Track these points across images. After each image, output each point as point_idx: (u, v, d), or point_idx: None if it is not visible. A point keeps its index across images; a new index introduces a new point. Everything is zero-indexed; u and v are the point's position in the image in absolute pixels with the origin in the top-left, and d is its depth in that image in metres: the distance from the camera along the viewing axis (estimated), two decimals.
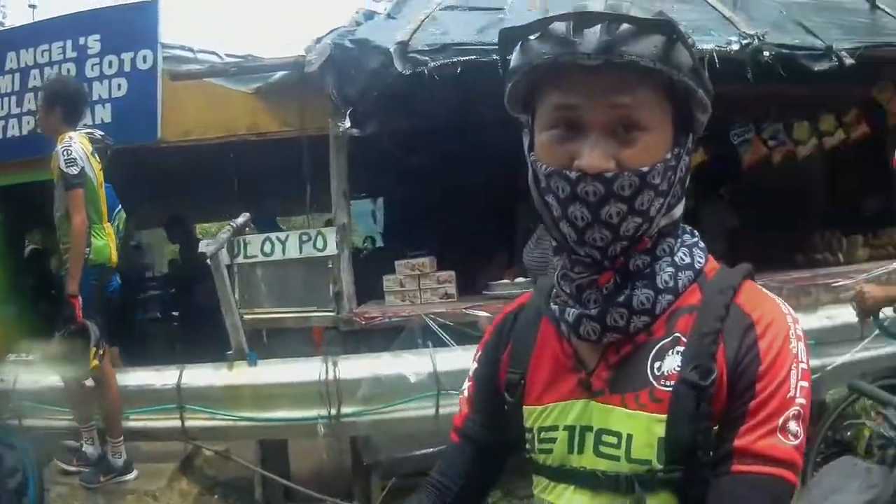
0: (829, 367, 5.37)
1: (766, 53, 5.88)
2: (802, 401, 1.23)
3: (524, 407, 1.41)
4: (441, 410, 5.35)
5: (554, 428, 1.37)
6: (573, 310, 1.32)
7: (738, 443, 1.22)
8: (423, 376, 5.33)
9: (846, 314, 5.47)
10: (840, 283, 6.10)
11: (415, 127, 6.48)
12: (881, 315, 4.32)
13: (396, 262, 6.10)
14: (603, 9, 1.21)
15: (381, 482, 5.64)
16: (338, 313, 5.70)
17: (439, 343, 5.53)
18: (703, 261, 1.37)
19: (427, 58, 5.47)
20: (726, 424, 1.24)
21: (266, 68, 6.14)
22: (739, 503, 1.22)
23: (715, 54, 5.75)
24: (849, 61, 6.08)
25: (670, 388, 1.26)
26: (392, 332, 5.67)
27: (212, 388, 5.38)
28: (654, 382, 1.28)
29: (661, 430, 1.25)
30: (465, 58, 5.44)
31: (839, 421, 4.96)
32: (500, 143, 7.27)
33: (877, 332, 4.70)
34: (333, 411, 5.27)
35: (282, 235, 5.72)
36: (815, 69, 6.01)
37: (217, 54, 7.00)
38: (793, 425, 1.21)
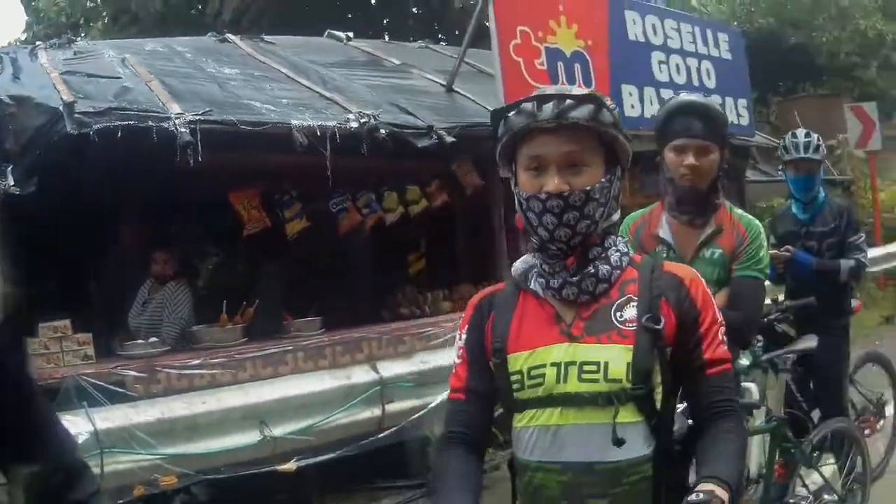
0: (430, 406, 6.17)
1: (382, 131, 6.68)
2: (721, 320, 2.02)
3: (510, 355, 1.98)
4: (105, 469, 5.27)
5: (542, 366, 1.94)
6: (557, 279, 1.98)
7: (706, 356, 1.97)
8: (86, 437, 5.21)
9: (438, 359, 6.45)
10: (430, 332, 7.06)
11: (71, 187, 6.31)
12: None
13: (40, 325, 5.86)
14: (555, 92, 1.96)
15: None
16: None
17: (93, 403, 5.45)
18: (631, 251, 2.10)
19: (92, 120, 5.48)
20: (689, 349, 1.96)
21: None
22: (721, 391, 1.98)
23: (336, 131, 6.43)
24: (449, 139, 7.12)
25: (633, 329, 1.92)
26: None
27: None
28: (620, 325, 1.94)
29: (629, 357, 1.90)
30: (125, 122, 5.60)
31: None
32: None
33: None
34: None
35: None
36: (420, 146, 6.95)
37: None
38: (723, 337, 2.01)
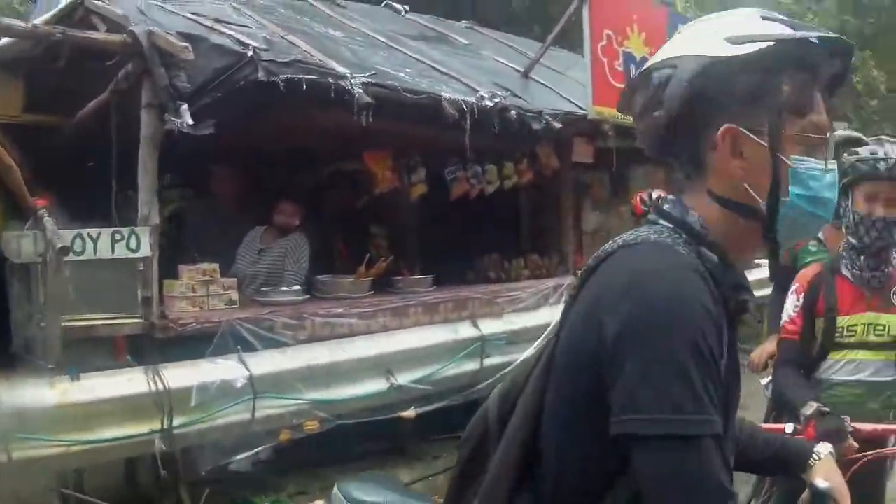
0: (517, 361, 6.37)
1: (512, 112, 7.01)
2: None
3: (838, 317, 3.26)
4: (257, 413, 5.45)
5: (855, 325, 3.26)
6: (867, 274, 3.27)
7: None
8: (242, 382, 5.37)
9: (523, 320, 7.16)
10: (516, 296, 7.61)
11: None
12: None
13: (183, 267, 5.87)
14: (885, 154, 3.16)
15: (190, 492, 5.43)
16: (147, 319, 5.32)
17: (246, 348, 5.57)
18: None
19: (279, 70, 5.50)
20: None
21: None
22: None
23: (476, 108, 6.71)
24: (556, 124, 7.45)
25: None
26: (190, 340, 5.44)
27: (35, 411, 4.68)
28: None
29: None
30: (308, 76, 5.67)
31: None
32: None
33: None
34: (167, 424, 5.03)
35: (94, 232, 5.07)
36: (534, 128, 7.28)
37: None
38: None
